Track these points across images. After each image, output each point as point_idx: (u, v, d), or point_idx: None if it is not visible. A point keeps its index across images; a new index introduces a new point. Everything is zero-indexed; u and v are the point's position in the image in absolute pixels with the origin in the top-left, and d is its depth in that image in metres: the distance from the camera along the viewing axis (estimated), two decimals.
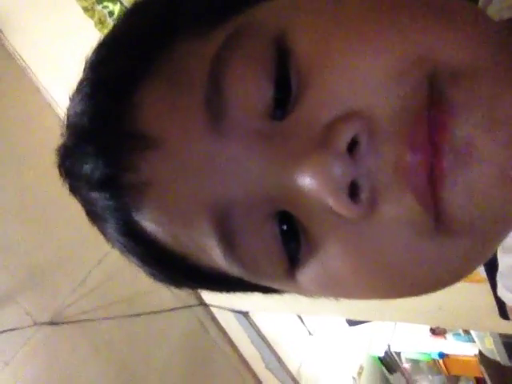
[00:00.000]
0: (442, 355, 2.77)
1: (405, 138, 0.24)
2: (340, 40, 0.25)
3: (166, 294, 2.05)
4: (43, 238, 1.80)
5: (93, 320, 1.84)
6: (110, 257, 1.88)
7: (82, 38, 1.35)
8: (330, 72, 0.25)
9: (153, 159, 0.28)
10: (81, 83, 0.31)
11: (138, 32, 0.31)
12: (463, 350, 2.71)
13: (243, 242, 0.28)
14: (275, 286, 0.32)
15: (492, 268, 0.53)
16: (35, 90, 1.81)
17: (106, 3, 1.37)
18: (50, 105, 1.81)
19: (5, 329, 1.71)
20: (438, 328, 2.75)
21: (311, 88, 0.26)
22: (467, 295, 1.35)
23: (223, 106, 0.27)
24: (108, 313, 1.86)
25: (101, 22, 1.38)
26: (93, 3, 1.38)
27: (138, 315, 1.90)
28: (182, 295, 2.08)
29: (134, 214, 0.29)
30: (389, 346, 2.85)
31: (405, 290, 0.29)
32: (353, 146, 0.24)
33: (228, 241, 0.28)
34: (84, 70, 0.32)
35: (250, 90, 0.27)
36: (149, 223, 0.29)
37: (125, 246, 0.32)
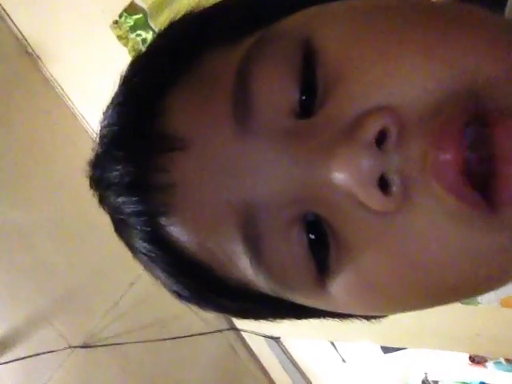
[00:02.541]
0: None
1: (436, 133, 0.23)
2: (372, 40, 0.25)
3: (197, 318, 2.04)
4: (77, 261, 1.82)
5: (124, 343, 1.84)
6: (142, 280, 1.89)
7: (116, 66, 1.38)
8: (358, 69, 0.25)
9: (180, 160, 0.28)
10: (113, 96, 0.32)
11: (169, 44, 0.32)
12: (505, 379, 2.61)
13: (269, 247, 0.27)
14: (305, 300, 0.31)
15: None
16: (72, 116, 1.86)
17: (139, 31, 1.41)
18: (86, 131, 1.85)
19: (40, 351, 1.73)
20: (477, 356, 2.65)
21: (339, 86, 0.25)
22: (507, 321, 1.30)
23: (250, 107, 0.27)
24: (139, 336, 1.87)
25: (134, 50, 1.42)
26: (127, 31, 1.42)
27: (170, 339, 1.90)
28: (213, 319, 2.07)
29: (160, 219, 0.29)
30: (426, 374, 2.76)
31: (449, 289, 0.27)
32: (381, 139, 0.24)
33: (254, 245, 0.28)
34: (118, 84, 0.33)
35: (276, 91, 0.27)
36: (175, 228, 0.29)
37: (150, 255, 0.31)
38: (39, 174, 1.78)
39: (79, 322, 1.86)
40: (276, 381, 2.21)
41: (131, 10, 1.39)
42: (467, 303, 1.20)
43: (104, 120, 0.32)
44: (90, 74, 1.66)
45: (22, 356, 1.72)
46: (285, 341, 2.07)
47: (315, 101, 0.26)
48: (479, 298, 1.17)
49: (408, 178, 0.24)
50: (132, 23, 1.40)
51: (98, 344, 1.83)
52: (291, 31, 0.28)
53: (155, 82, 0.30)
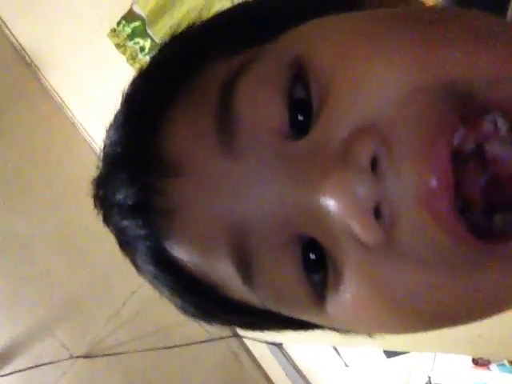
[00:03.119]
0: None
1: (424, 156, 0.22)
2: (357, 56, 0.25)
3: (200, 326, 2.03)
4: (78, 271, 1.82)
5: (127, 352, 1.84)
6: (144, 288, 1.88)
7: (115, 74, 1.38)
8: (345, 88, 0.24)
9: (178, 186, 0.28)
10: (116, 115, 0.32)
11: (168, 63, 0.32)
12: (510, 382, 2.59)
13: (261, 269, 0.27)
14: (303, 316, 0.31)
15: None
16: (71, 125, 1.86)
17: (137, 39, 1.41)
18: (85, 139, 1.86)
19: (42, 362, 1.73)
20: (480, 359, 2.64)
21: (328, 106, 0.25)
22: (510, 323, 1.30)
23: (233, 127, 0.26)
24: (142, 345, 1.86)
25: (132, 58, 1.42)
26: (125, 39, 1.42)
27: (172, 347, 1.89)
28: (215, 327, 2.06)
29: (163, 242, 0.29)
30: (429, 378, 2.75)
31: (435, 322, 0.27)
32: (374, 164, 0.23)
33: (245, 267, 0.27)
34: (120, 102, 0.33)
35: (262, 109, 0.26)
36: (176, 250, 0.29)
37: (155, 276, 0.31)
38: (39, 183, 1.78)
39: (81, 332, 1.85)
40: None
41: (129, 17, 1.39)
42: None
43: (107, 138, 0.32)
44: (88, 82, 1.67)
45: (24, 367, 1.71)
46: (287, 347, 2.06)
47: (306, 119, 0.26)
48: None
49: (398, 211, 0.23)
50: (130, 31, 1.41)
51: (101, 353, 1.82)
52: (281, 50, 0.27)
53: (155, 101, 0.30)
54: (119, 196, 0.30)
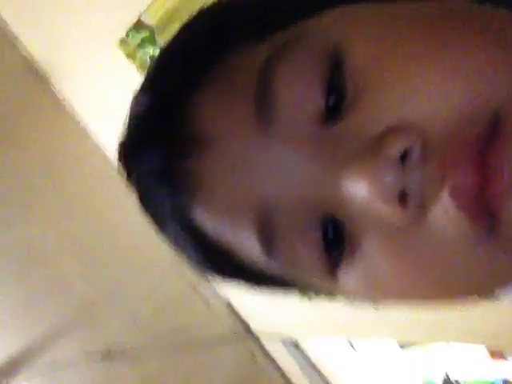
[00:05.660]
0: (505, 382, 2.62)
1: (458, 157, 0.24)
2: (404, 53, 0.26)
3: (215, 327, 2.03)
4: (93, 275, 1.83)
5: (143, 355, 1.84)
6: (160, 290, 1.89)
7: (125, 83, 1.40)
8: (390, 82, 0.26)
9: (206, 157, 0.29)
10: (145, 83, 0.33)
11: (199, 39, 0.32)
12: None
13: (284, 245, 0.29)
14: (315, 284, 0.33)
15: None
16: (84, 134, 1.87)
17: (146, 48, 1.42)
18: (98, 148, 1.86)
19: (60, 366, 1.74)
20: (497, 351, 2.62)
21: (367, 96, 0.26)
22: None
23: (273, 109, 0.28)
24: (158, 347, 1.86)
25: (142, 67, 1.43)
26: (134, 49, 1.44)
27: (188, 349, 1.90)
28: (232, 327, 2.06)
29: (187, 206, 0.31)
30: (447, 373, 2.73)
31: (446, 293, 0.29)
32: (404, 156, 0.25)
33: (268, 243, 0.29)
34: (148, 72, 0.34)
35: (300, 95, 0.27)
36: (201, 216, 0.31)
37: (176, 235, 0.33)
38: (53, 192, 1.79)
39: (98, 336, 1.85)
40: None
41: (138, 27, 1.40)
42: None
43: (135, 105, 0.33)
44: (99, 92, 1.68)
45: (42, 371, 1.72)
46: (303, 343, 2.06)
47: (342, 107, 0.27)
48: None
49: (425, 195, 0.25)
50: (139, 41, 1.42)
51: (117, 357, 1.83)
52: (319, 35, 0.28)
53: (186, 74, 0.31)
54: (149, 158, 0.31)
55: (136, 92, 0.34)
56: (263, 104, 0.28)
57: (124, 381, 1.90)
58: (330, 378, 2.12)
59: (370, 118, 0.26)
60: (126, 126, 0.34)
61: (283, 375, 2.19)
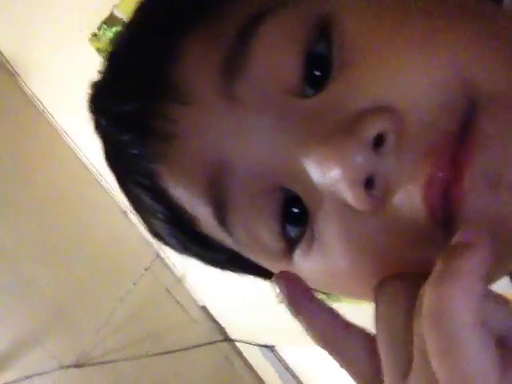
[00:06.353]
0: None
1: (432, 149, 0.23)
2: (392, 34, 0.25)
3: (190, 331, 2.03)
4: (65, 280, 1.81)
5: (117, 360, 1.82)
6: (132, 295, 1.87)
7: (96, 79, 1.37)
8: (373, 61, 0.25)
9: (181, 113, 0.28)
10: (131, 22, 0.32)
11: None
12: None
13: (236, 212, 0.28)
14: (267, 264, 0.32)
15: None
16: (53, 131, 1.85)
17: None
18: (68, 146, 1.84)
19: (32, 373, 1.71)
20: None
21: (350, 73, 0.25)
22: None
23: (243, 70, 0.26)
24: (132, 352, 1.85)
25: None
26: (106, 44, 1.41)
27: (163, 353, 1.88)
28: (207, 331, 2.06)
29: (155, 165, 0.30)
30: None
31: None
32: (378, 142, 0.24)
33: (221, 208, 0.28)
34: (135, 12, 0.32)
35: (278, 61, 0.26)
36: (165, 177, 0.30)
37: (139, 195, 0.32)
38: (22, 192, 1.76)
39: (70, 341, 1.84)
40: None
41: (110, 21, 1.38)
42: None
43: (117, 44, 0.32)
44: (70, 88, 1.65)
45: (13, 379, 1.69)
46: (280, 349, 2.06)
47: (322, 80, 0.26)
48: None
49: (392, 184, 0.24)
50: (111, 35, 1.40)
51: (90, 362, 1.81)
52: (310, 2, 0.27)
53: (175, 21, 0.29)
54: (122, 107, 0.29)
55: (120, 33, 0.33)
56: (235, 63, 0.26)
57: None
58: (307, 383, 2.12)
59: (350, 95, 0.25)
60: (104, 66, 0.32)
61: (259, 380, 2.19)
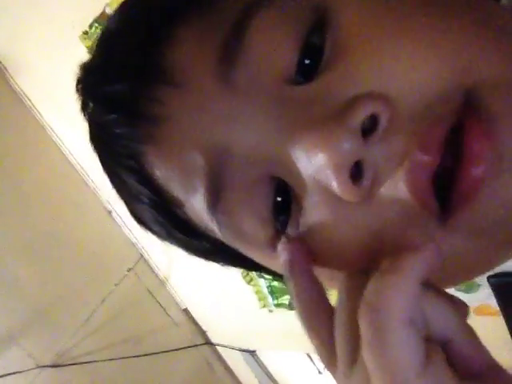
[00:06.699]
0: None
1: (422, 135, 0.23)
2: (386, 24, 0.25)
3: (171, 334, 2.01)
4: (45, 278, 1.78)
5: (96, 361, 1.80)
6: (114, 296, 1.86)
7: None
8: (367, 51, 0.25)
9: (170, 96, 0.28)
10: (121, 7, 0.32)
11: None
12: None
13: (229, 198, 0.28)
14: (253, 255, 0.31)
15: (506, 300, 0.51)
16: (41, 129, 1.83)
17: None
18: (55, 143, 1.82)
19: (7, 372, 1.68)
20: None
21: (344, 62, 0.25)
22: (481, 328, 1.31)
23: (239, 57, 0.26)
24: (112, 353, 1.83)
25: None
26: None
27: (143, 355, 1.87)
28: (188, 334, 2.05)
29: (141, 147, 0.29)
30: None
31: None
32: (368, 129, 0.24)
33: (214, 192, 0.28)
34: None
35: (273, 48, 0.26)
36: (152, 160, 0.29)
37: (124, 178, 0.31)
38: (6, 189, 1.74)
39: (48, 341, 1.81)
40: None
41: (102, 19, 1.37)
42: None
43: (109, 26, 0.32)
44: (59, 86, 1.63)
45: None
46: (261, 354, 2.05)
47: (316, 68, 0.26)
48: None
49: (380, 174, 0.24)
50: None
51: (68, 363, 1.78)
52: None
53: (171, 7, 0.29)
54: (111, 87, 0.29)
55: (112, 16, 0.32)
56: (231, 49, 0.27)
57: None
58: None
59: (341, 83, 0.25)
60: (96, 46, 0.32)
61: (239, 383, 2.18)
